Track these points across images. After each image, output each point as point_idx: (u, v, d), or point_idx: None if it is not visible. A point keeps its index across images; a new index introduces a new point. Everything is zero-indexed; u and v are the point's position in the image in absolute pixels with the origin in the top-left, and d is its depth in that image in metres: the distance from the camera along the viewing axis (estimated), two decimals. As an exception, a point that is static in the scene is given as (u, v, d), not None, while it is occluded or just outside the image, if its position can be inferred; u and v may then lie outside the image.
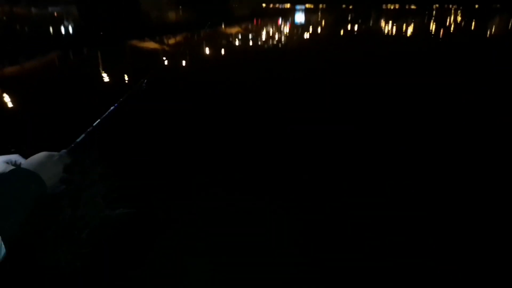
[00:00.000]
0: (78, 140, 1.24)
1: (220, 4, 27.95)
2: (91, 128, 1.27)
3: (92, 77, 7.49)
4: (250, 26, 17.41)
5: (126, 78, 7.50)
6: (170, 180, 3.31)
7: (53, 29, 15.35)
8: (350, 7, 33.70)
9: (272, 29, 17.06)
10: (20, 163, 1.18)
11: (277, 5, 36.57)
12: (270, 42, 12.94)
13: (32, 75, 7.70)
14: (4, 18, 19.76)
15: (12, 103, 5.79)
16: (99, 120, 1.30)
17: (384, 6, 35.43)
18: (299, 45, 12.62)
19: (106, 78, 7.67)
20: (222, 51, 10.75)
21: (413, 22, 21.12)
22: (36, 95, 6.09)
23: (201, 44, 12.37)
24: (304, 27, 18.13)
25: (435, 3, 38.20)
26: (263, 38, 14.01)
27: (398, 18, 23.94)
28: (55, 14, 22.29)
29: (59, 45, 11.21)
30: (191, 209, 2.87)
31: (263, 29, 16.60)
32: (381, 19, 23.40)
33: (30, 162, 1.09)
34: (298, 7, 34.71)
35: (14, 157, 1.18)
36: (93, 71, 8.11)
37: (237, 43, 12.72)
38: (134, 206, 2.57)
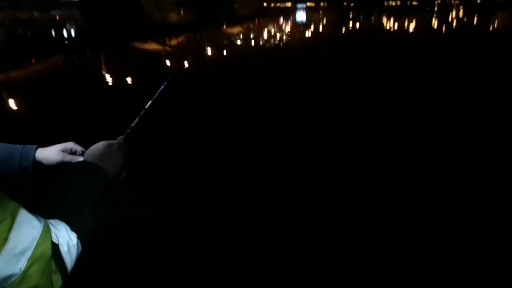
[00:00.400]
0: (132, 125, 1.17)
1: (221, 4, 27.95)
2: (143, 112, 1.20)
3: (95, 79, 7.54)
4: (251, 26, 17.43)
5: (129, 79, 7.54)
6: (198, 179, 3.31)
7: (55, 32, 15.44)
8: (352, 4, 33.60)
9: (274, 28, 17.07)
10: (76, 151, 1.16)
11: (278, 4, 36.48)
12: (272, 42, 12.95)
13: (37, 78, 7.76)
14: (7, 22, 19.88)
15: (17, 106, 5.84)
16: (149, 104, 1.21)
17: (385, 3, 35.30)
18: (301, 43, 12.62)
19: (109, 80, 7.71)
20: (224, 52, 10.78)
21: (414, 18, 21.06)
22: (41, 98, 6.14)
23: (203, 44, 12.40)
24: (305, 26, 18.12)
25: (437, -1, 38.03)
26: (265, 37, 14.02)
27: (399, 15, 23.87)
28: (57, 17, 22.40)
29: (62, 48, 11.28)
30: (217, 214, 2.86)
31: (264, 29, 16.61)
32: (383, 16, 23.35)
33: (93, 153, 1.02)
34: (299, 5, 34.63)
35: (70, 145, 1.15)
36: (96, 73, 8.16)
37: (239, 43, 12.74)
38: (158, 207, 2.57)
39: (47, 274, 0.71)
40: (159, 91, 1.24)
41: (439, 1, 36.88)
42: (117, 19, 18.47)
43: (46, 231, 0.73)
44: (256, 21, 19.66)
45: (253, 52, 10.71)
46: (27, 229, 0.70)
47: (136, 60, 10.19)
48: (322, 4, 36.41)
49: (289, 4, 36.77)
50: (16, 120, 5.15)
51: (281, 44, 12.64)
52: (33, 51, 10.32)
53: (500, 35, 14.11)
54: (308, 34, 15.23)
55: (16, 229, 0.68)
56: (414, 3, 36.35)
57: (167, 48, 11.85)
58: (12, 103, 5.96)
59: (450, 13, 25.57)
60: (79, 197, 0.85)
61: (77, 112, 5.21)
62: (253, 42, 12.86)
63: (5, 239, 0.67)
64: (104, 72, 8.50)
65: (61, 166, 1.12)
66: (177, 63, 9.40)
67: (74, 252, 0.77)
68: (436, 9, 29.82)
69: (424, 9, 29.32)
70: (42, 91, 6.64)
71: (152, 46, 11.88)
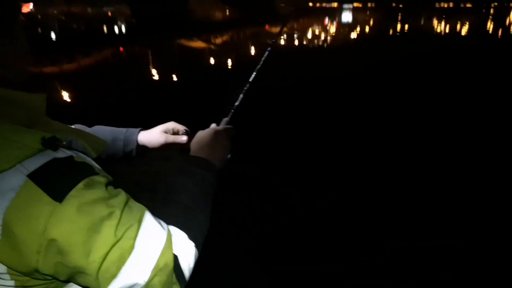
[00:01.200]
0: (237, 103, 1.07)
1: (265, 3, 27.99)
2: (247, 87, 1.09)
3: (144, 74, 7.79)
4: (295, 25, 17.33)
5: (174, 75, 7.72)
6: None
7: (107, 27, 16.11)
8: (401, 6, 32.51)
9: (318, 28, 16.87)
10: (179, 130, 1.09)
11: (323, 4, 36.00)
12: (316, 42, 12.81)
13: (89, 71, 8.14)
14: (63, 17, 20.97)
15: (71, 98, 6.15)
16: (252, 77, 1.11)
17: (437, 5, 33.85)
18: (345, 44, 12.40)
19: (155, 75, 7.95)
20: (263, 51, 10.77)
21: (467, 21, 20.06)
22: (94, 90, 6.43)
23: (246, 43, 12.47)
24: (351, 26, 17.78)
25: (493, 1, 35.91)
26: (309, 37, 13.89)
27: (451, 17, 22.84)
28: (109, 13, 23.36)
29: (113, 42, 11.75)
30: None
31: (308, 28, 16.45)
32: (433, 18, 22.43)
33: (200, 143, 0.94)
34: (345, 6, 33.98)
35: (171, 125, 1.09)
36: (144, 68, 8.44)
37: (282, 42, 12.70)
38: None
39: (168, 286, 0.66)
40: (259, 65, 1.14)
41: (495, 3, 34.84)
42: (165, 16, 18.97)
43: (169, 240, 0.67)
44: (301, 20, 19.52)
45: (296, 53, 10.64)
46: (152, 237, 0.65)
47: (180, 55, 10.44)
48: (369, 4, 35.52)
49: (335, 4, 36.15)
50: (75, 108, 5.42)
51: (325, 45, 12.48)
52: (85, 44, 10.82)
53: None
54: (353, 35, 14.93)
55: (141, 236, 0.64)
56: (468, 5, 34.62)
57: (211, 46, 12.05)
58: (66, 94, 6.27)
59: (508, 16, 24.14)
60: (192, 199, 0.78)
61: (126, 103, 5.40)
62: (297, 42, 12.77)
63: (131, 247, 0.62)
64: (150, 66, 8.77)
65: (164, 147, 1.07)
66: (220, 60, 9.52)
67: (192, 262, 0.71)
68: (492, 11, 28.25)
69: (479, 11, 27.88)
70: (95, 82, 6.95)
71: (197, 43, 12.12)
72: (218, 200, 0.86)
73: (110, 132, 1.09)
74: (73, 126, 1.10)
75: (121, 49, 11.05)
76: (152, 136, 1.07)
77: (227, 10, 26.66)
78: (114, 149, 1.07)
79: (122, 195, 0.66)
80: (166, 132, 1.08)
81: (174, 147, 1.09)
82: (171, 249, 0.67)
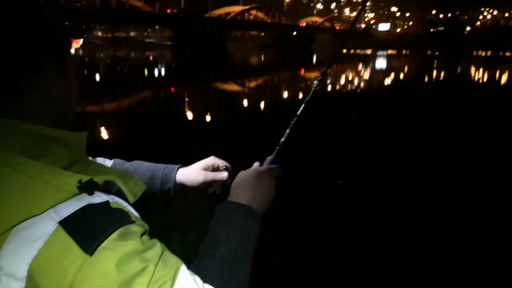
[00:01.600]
0: (283, 139, 0.98)
1: (301, 49, 28.75)
2: (294, 121, 1.01)
3: (176, 113, 8.07)
4: (329, 71, 17.60)
5: (208, 116, 7.94)
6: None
7: (148, 70, 17.00)
8: (437, 53, 32.39)
9: (352, 73, 17.03)
10: (219, 166, 1.02)
11: (358, 51, 36.53)
12: (349, 87, 12.89)
13: (127, 109, 8.53)
14: (109, 60, 22.36)
15: (110, 135, 6.42)
16: (300, 110, 1.03)
17: (474, 53, 33.46)
18: (378, 90, 12.38)
19: (189, 115, 8.20)
20: (300, 95, 10.94)
21: (508, 70, 19.63)
22: (133, 128, 6.71)
23: (280, 88, 12.73)
24: (384, 73, 17.83)
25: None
26: (342, 83, 14.02)
27: (489, 65, 22.44)
28: (151, 57, 24.72)
29: (153, 84, 12.34)
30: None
31: (342, 74, 16.65)
32: (470, 66, 22.13)
33: (242, 186, 0.86)
34: (379, 53, 34.29)
35: (211, 160, 1.03)
36: (178, 108, 8.75)
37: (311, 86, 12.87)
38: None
39: None
40: (308, 97, 1.06)
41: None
42: (203, 60, 19.82)
43: None
44: (335, 66, 19.83)
45: (326, 97, 10.72)
46: None
47: (214, 98, 10.78)
48: (404, 51, 35.67)
49: (369, 52, 36.58)
50: (114, 146, 5.64)
51: (358, 90, 12.52)
52: (127, 86, 11.44)
53: None
54: (387, 81, 14.93)
55: None
56: (508, 53, 34.00)
57: (245, 89, 12.40)
58: (106, 132, 6.56)
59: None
60: (232, 252, 0.71)
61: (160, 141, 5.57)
62: (329, 87, 12.91)
63: None
64: (187, 108, 9.08)
65: (204, 185, 1.01)
66: (251, 102, 9.73)
67: None
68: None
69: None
70: (134, 121, 7.26)
71: (233, 86, 12.52)
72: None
73: (149, 168, 1.04)
74: (111, 161, 1.10)
75: (172, 89, 11.55)
76: (191, 174, 1.01)
77: (263, 56, 27.55)
78: (151, 186, 1.02)
79: (157, 247, 0.59)
80: (205, 169, 1.01)
81: (214, 185, 1.02)
82: None
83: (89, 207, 0.55)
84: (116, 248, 0.53)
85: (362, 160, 4.87)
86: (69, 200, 0.55)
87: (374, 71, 18.58)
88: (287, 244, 2.86)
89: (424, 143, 5.69)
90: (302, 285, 2.52)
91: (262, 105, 9.51)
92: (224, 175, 0.99)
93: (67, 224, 0.52)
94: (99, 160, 1.07)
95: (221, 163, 1.02)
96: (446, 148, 5.48)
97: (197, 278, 0.61)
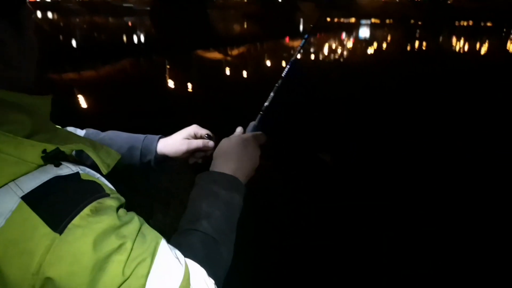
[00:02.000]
0: (266, 103, 0.94)
1: (283, 18, 28.24)
2: (277, 86, 0.97)
3: (158, 83, 7.88)
4: (313, 40, 17.37)
5: (189, 84, 7.79)
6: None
7: (126, 37, 16.43)
8: (419, 23, 32.39)
9: (335, 43, 16.88)
10: (202, 135, 0.97)
11: (341, 19, 36.11)
12: (332, 57, 12.80)
13: (105, 79, 8.27)
14: (85, 26, 21.50)
15: (84, 104, 6.23)
16: (283, 75, 1.00)
17: (456, 23, 33.59)
18: (362, 60, 12.34)
19: (170, 83, 8.03)
20: (283, 63, 10.81)
21: (488, 40, 19.82)
22: (110, 98, 6.51)
23: (262, 56, 12.54)
24: (368, 42, 17.74)
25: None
26: (325, 52, 13.89)
27: (471, 36, 22.60)
28: (130, 23, 23.87)
29: (132, 52, 11.96)
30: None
31: (325, 43, 16.48)
32: (452, 36, 22.24)
33: (226, 154, 0.81)
34: (363, 21, 34.03)
35: (193, 129, 0.97)
36: (159, 77, 8.54)
37: (298, 56, 12.71)
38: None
39: None
40: (293, 57, 1.04)
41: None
42: (184, 28, 19.30)
43: (187, 278, 0.55)
44: (318, 35, 19.55)
45: (312, 67, 10.64)
46: (167, 275, 0.53)
47: (198, 67, 10.55)
48: (387, 21, 35.47)
49: (352, 20, 36.23)
50: (88, 117, 5.48)
51: (341, 60, 12.45)
52: (105, 54, 11.04)
53: None
54: (370, 51, 14.87)
55: (154, 273, 0.52)
56: (488, 24, 34.21)
57: (228, 58, 12.16)
58: (84, 101, 6.37)
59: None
60: (215, 227, 0.68)
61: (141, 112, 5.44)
62: (313, 56, 12.78)
63: (142, 287, 0.50)
64: (167, 77, 8.87)
65: (187, 155, 0.95)
66: (236, 72, 9.58)
67: None
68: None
69: (499, 31, 27.52)
70: (111, 91, 7.05)
71: (215, 55, 12.24)
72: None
73: (126, 139, 0.97)
74: (83, 131, 1.00)
75: (152, 58, 11.23)
76: (173, 144, 0.95)
77: (245, 24, 26.98)
78: (130, 158, 0.94)
79: (135, 222, 0.55)
80: (188, 138, 0.96)
81: (197, 155, 0.97)
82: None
83: (56, 179, 0.50)
84: (88, 225, 0.48)
85: (347, 135, 4.85)
86: (32, 173, 0.49)
87: (357, 41, 18.43)
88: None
89: (407, 118, 5.76)
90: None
91: (245, 73, 9.38)
92: (210, 143, 0.94)
93: (31, 199, 0.47)
94: (70, 129, 0.96)
95: (203, 132, 0.97)
96: (430, 124, 5.55)
97: (178, 253, 0.58)
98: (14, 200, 0.46)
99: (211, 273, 0.61)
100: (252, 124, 0.92)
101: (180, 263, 0.56)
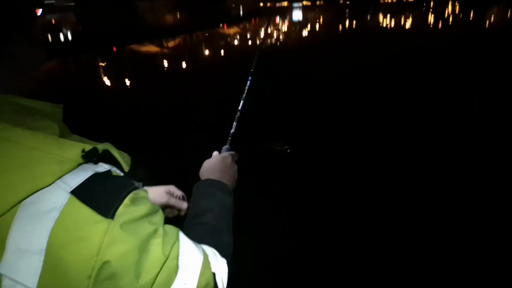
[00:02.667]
0: (232, 130, 1.11)
1: (216, 5, 27.93)
2: (238, 114, 1.13)
3: (92, 82, 7.50)
4: (248, 26, 17.41)
5: (127, 82, 7.50)
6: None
7: (51, 36, 15.38)
8: (348, 2, 33.62)
9: (271, 27, 17.06)
10: (178, 195, 1.06)
11: (276, 4, 36.48)
12: (269, 41, 12.93)
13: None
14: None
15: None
16: (241, 105, 1.14)
17: (381, 0, 35.33)
18: (298, 43, 12.61)
19: (108, 83, 7.68)
20: (222, 52, 10.76)
21: (410, 15, 21.07)
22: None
23: (200, 46, 12.37)
24: (302, 25, 18.13)
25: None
26: (262, 37, 14.00)
27: (395, 12, 23.89)
28: (53, 21, 22.33)
29: (59, 52, 11.23)
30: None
31: (261, 28, 16.59)
32: (378, 13, 23.36)
33: (211, 169, 0.94)
34: (295, 4, 34.65)
35: (172, 188, 1.06)
36: (94, 76, 8.12)
37: (236, 43, 12.71)
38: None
39: None
40: (246, 90, 1.17)
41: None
42: (113, 21, 18.43)
43: (206, 258, 0.65)
44: (253, 21, 19.64)
45: (251, 53, 10.68)
46: (192, 255, 0.63)
47: (132, 61, 10.16)
48: (318, 2, 36.42)
49: (285, 3, 36.75)
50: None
51: (278, 43, 12.63)
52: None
53: (496, 31, 14.12)
54: (304, 33, 15.22)
55: (183, 255, 0.61)
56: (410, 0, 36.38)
57: (164, 50, 11.84)
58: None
59: (446, 9, 25.59)
60: (216, 219, 0.79)
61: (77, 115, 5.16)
62: (250, 42, 12.84)
63: (176, 267, 0.59)
64: (102, 75, 8.46)
65: (164, 208, 1.03)
66: (175, 65, 9.37)
67: (225, 279, 0.69)
68: (432, 5, 29.84)
69: (420, 6, 29.36)
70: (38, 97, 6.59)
71: (148, 48, 11.86)
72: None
73: None
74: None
75: (81, 57, 10.57)
76: (156, 194, 1.03)
77: (178, 14, 26.32)
78: None
79: (161, 212, 0.62)
80: (168, 194, 1.05)
81: (171, 210, 1.06)
82: (210, 267, 0.65)
83: (96, 175, 0.56)
84: (131, 212, 0.55)
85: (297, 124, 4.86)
86: (75, 170, 0.54)
87: (291, 24, 18.76)
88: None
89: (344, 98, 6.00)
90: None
91: (184, 65, 9.20)
92: (184, 205, 1.04)
93: (79, 193, 0.53)
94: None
95: (179, 193, 1.08)
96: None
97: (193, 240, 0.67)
98: (64, 195, 0.52)
99: (222, 254, 0.71)
100: (225, 147, 1.08)
101: (198, 247, 0.66)
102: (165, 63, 9.76)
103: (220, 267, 0.68)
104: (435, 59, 8.15)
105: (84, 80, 7.84)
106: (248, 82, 1.19)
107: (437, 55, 8.70)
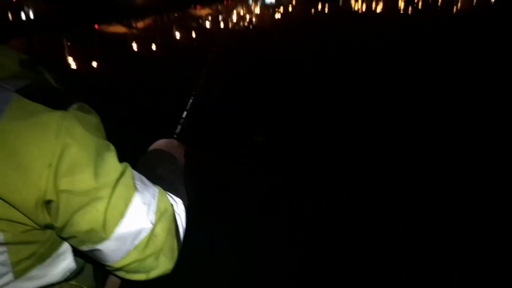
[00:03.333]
0: (181, 121, 1.08)
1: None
2: (188, 108, 1.10)
3: (58, 63, 7.22)
4: (220, 7, 17.09)
5: (94, 64, 7.28)
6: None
7: (12, 15, 14.59)
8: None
9: (243, 10, 16.83)
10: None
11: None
12: (242, 24, 12.78)
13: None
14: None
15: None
16: (190, 101, 1.12)
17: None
18: (271, 26, 12.52)
19: (72, 65, 7.42)
20: (193, 35, 10.55)
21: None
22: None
23: (171, 28, 12.08)
24: (274, 7, 17.95)
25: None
26: (234, 19, 13.82)
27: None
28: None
29: (22, 32, 10.70)
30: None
31: (233, 10, 16.34)
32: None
33: (159, 145, 0.92)
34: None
35: None
36: (58, 57, 7.82)
37: (208, 25, 12.49)
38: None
39: (172, 235, 0.65)
40: (193, 92, 1.14)
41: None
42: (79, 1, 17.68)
43: (161, 189, 0.67)
44: (225, 2, 19.28)
45: (223, 36, 10.53)
46: (146, 182, 0.64)
47: (102, 43, 9.83)
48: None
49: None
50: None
51: (251, 26, 12.51)
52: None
53: (465, 16, 14.45)
54: (277, 16, 15.12)
55: (137, 180, 0.62)
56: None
57: (134, 31, 11.49)
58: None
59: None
60: (170, 173, 0.80)
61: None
62: (222, 25, 12.65)
63: (133, 186, 0.59)
64: (67, 56, 8.16)
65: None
66: (145, 47, 9.14)
67: (184, 221, 0.70)
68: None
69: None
70: None
71: (118, 28, 11.47)
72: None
73: None
74: None
75: (47, 37, 10.11)
76: None
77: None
78: None
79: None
80: None
81: None
82: (166, 197, 0.66)
83: (38, 83, 0.57)
84: (82, 116, 0.55)
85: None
86: (15, 76, 0.56)
87: (264, 6, 18.55)
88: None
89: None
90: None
91: (154, 47, 8.99)
92: None
93: (24, 93, 0.52)
94: None
95: None
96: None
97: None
98: (8, 94, 0.51)
99: (178, 196, 0.73)
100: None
101: (150, 181, 0.66)
102: (133, 45, 9.50)
103: (177, 202, 0.70)
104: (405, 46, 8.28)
105: (47, 61, 7.52)
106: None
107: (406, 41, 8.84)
